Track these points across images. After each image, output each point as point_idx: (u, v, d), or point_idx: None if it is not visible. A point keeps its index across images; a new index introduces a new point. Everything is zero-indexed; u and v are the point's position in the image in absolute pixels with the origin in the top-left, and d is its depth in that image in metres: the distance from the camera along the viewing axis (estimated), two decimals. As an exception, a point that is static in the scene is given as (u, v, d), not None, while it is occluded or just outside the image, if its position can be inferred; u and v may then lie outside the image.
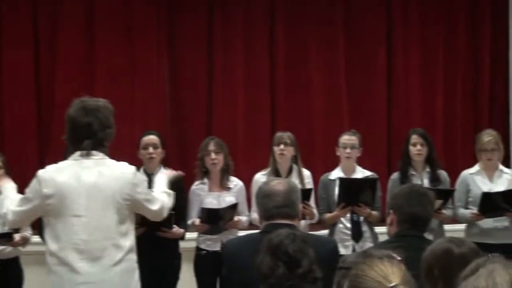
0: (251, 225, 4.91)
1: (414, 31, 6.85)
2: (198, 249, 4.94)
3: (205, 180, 4.95)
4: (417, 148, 4.92)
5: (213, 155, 4.86)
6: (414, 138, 4.97)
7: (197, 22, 6.51)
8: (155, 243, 4.49)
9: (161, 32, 6.41)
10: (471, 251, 2.49)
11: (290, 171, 5.04)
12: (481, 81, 6.94)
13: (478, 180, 4.94)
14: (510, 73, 6.86)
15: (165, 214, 3.61)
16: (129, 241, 3.35)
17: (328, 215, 4.93)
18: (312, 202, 4.94)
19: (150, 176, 4.50)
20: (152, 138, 4.79)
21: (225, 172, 4.95)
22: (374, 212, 4.85)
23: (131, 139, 5.16)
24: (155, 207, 3.45)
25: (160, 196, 3.56)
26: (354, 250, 4.74)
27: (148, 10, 6.38)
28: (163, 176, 3.87)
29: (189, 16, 6.50)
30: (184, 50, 6.51)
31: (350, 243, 4.87)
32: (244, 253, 2.87)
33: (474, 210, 4.79)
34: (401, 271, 1.76)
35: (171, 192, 3.71)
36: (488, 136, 4.94)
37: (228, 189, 4.96)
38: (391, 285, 1.69)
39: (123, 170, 3.36)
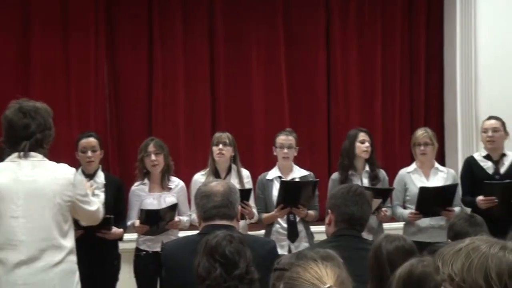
0: (192, 225, 4.90)
1: (352, 30, 6.93)
2: (137, 250, 4.89)
3: (145, 181, 4.91)
4: (365, 145, 4.98)
5: (153, 157, 4.82)
6: (362, 135, 5.02)
7: (136, 20, 6.44)
8: (94, 244, 4.43)
9: (99, 30, 6.31)
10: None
11: (229, 171, 5.05)
12: (417, 82, 7.09)
13: (415, 178, 5.03)
14: (445, 74, 7.02)
15: (100, 217, 3.62)
16: (70, 242, 3.33)
17: (265, 215, 4.95)
18: (251, 201, 4.94)
19: (88, 177, 4.53)
20: (90, 141, 4.71)
21: (166, 173, 4.92)
22: (311, 212, 4.90)
23: (69, 139, 5.08)
24: (93, 208, 3.46)
25: (96, 199, 3.61)
26: (290, 250, 4.77)
27: (85, 7, 6.27)
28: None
29: (128, 14, 6.42)
30: (123, 48, 6.43)
31: (286, 243, 4.89)
32: (182, 254, 2.87)
33: (412, 209, 4.88)
34: (336, 273, 1.77)
35: (102, 200, 3.79)
36: (421, 131, 5.07)
37: (169, 189, 4.93)
38: (325, 287, 1.70)
39: (64, 172, 3.33)
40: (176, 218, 4.78)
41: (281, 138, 5.02)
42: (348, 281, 1.80)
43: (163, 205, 4.78)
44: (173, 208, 4.74)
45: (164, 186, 4.91)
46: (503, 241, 1.59)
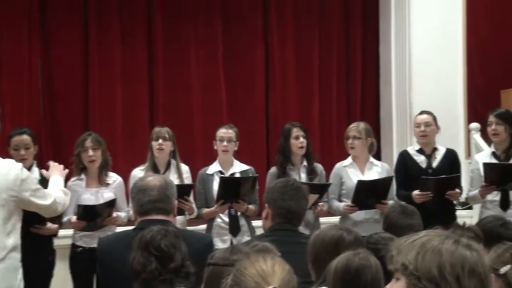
0: (130, 221, 4.85)
1: (289, 27, 7.01)
2: (74, 246, 4.82)
3: (82, 176, 4.84)
4: (300, 141, 5.02)
5: (90, 152, 4.76)
6: (296, 131, 5.06)
7: (71, 16, 6.37)
8: (28, 240, 4.33)
9: (32, 24, 6.21)
10: (357, 240, 2.62)
11: (168, 166, 5.02)
12: (354, 77, 7.22)
13: (351, 172, 5.09)
14: (380, 70, 7.16)
15: (59, 209, 3.61)
16: (13, 239, 3.30)
17: (206, 210, 4.94)
18: (191, 197, 4.93)
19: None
20: (23, 138, 4.61)
21: (103, 168, 4.86)
22: (251, 206, 4.91)
23: (1, 135, 4.95)
24: (47, 202, 3.44)
25: (55, 192, 3.56)
26: (232, 244, 4.77)
27: (19, 2, 6.13)
28: (58, 178, 3.85)
29: (63, 10, 6.34)
30: (58, 44, 6.37)
31: (228, 237, 4.90)
32: (117, 250, 2.85)
33: (348, 202, 4.95)
34: (284, 272, 1.77)
35: (67, 191, 3.76)
36: (352, 125, 5.12)
37: (107, 185, 4.87)
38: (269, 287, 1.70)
39: (10, 167, 3.29)
40: (114, 214, 4.72)
41: (221, 132, 5.03)
42: (293, 281, 1.79)
43: (101, 201, 4.72)
44: (111, 204, 4.69)
45: (101, 181, 4.84)
46: (457, 235, 1.66)
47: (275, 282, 1.71)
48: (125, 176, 5.08)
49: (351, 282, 2.28)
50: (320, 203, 4.93)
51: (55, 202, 3.51)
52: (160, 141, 4.93)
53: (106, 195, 4.81)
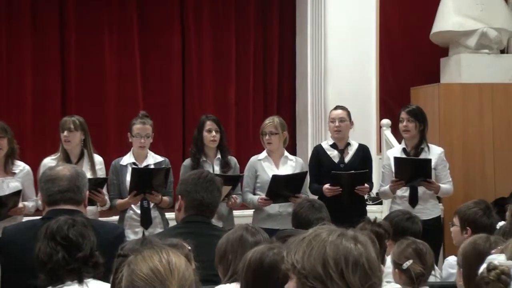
0: (38, 211, 4.70)
1: (206, 15, 6.97)
2: (-25, 236, 4.63)
3: (-13, 165, 4.66)
4: (212, 134, 5.00)
5: (-5, 140, 4.59)
6: (209, 124, 5.03)
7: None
8: None
9: None
10: (265, 240, 2.59)
11: (81, 156, 4.89)
12: (270, 71, 7.27)
13: (266, 166, 5.12)
14: (296, 64, 7.23)
15: None
16: None
17: (119, 201, 4.85)
18: (104, 189, 4.82)
19: None
20: None
21: (10, 157, 4.70)
22: (165, 198, 4.86)
23: None
24: None
25: None
26: (144, 236, 4.70)
27: None
28: None
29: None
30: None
31: (139, 229, 4.82)
32: (23, 239, 2.79)
33: (262, 195, 4.97)
34: (179, 271, 1.69)
35: None
36: (268, 120, 5.14)
37: (13, 174, 4.72)
38: None
39: None
40: (20, 204, 4.58)
41: (138, 127, 4.88)
42: (189, 278, 1.71)
43: (6, 191, 4.56)
44: (17, 194, 4.55)
45: (7, 170, 4.69)
46: (343, 229, 1.64)
47: (174, 285, 1.64)
48: (35, 165, 4.92)
49: (264, 277, 2.27)
50: (233, 196, 4.93)
51: None
52: (65, 133, 4.78)
53: (12, 184, 4.66)
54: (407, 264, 2.94)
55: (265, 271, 2.28)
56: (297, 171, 5.10)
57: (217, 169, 5.02)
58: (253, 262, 2.31)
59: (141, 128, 4.90)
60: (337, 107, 5.24)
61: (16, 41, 6.30)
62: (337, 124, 5.12)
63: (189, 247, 2.28)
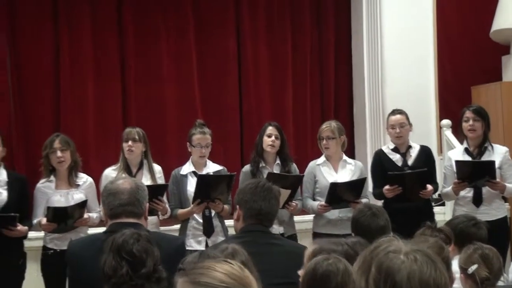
0: (102, 221, 4.79)
1: (261, 21, 6.97)
2: (45, 248, 4.75)
3: (52, 178, 4.77)
4: (271, 139, 5.01)
5: (59, 153, 4.69)
6: (270, 129, 5.05)
7: (40, 14, 6.25)
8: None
9: (2, 21, 6.09)
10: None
11: (140, 166, 4.97)
12: (327, 74, 7.22)
13: (324, 170, 5.10)
14: (353, 66, 7.17)
15: None
16: None
17: (181, 210, 4.88)
18: (165, 197, 4.88)
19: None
20: None
21: (73, 169, 4.79)
22: (225, 206, 4.86)
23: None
24: None
25: None
26: (207, 245, 4.74)
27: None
28: None
29: (31, 8, 6.23)
30: (28, 42, 6.25)
31: (202, 238, 4.85)
32: (87, 253, 2.82)
33: (322, 201, 4.95)
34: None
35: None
36: (325, 125, 5.11)
37: (77, 186, 4.81)
38: None
39: None
40: (85, 215, 4.67)
41: (198, 138, 4.91)
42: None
43: (71, 202, 4.66)
44: (82, 205, 4.63)
45: (71, 182, 4.78)
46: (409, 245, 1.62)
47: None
48: (98, 176, 5.03)
49: (317, 287, 2.27)
50: (294, 202, 4.92)
51: None
52: (130, 142, 4.88)
53: (77, 196, 4.75)
54: (472, 268, 2.91)
55: (318, 281, 2.28)
56: (357, 174, 5.07)
57: (276, 175, 5.01)
58: (307, 272, 2.32)
59: (201, 138, 4.93)
60: (395, 112, 5.15)
61: (77, 52, 6.40)
62: (397, 130, 5.06)
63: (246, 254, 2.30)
